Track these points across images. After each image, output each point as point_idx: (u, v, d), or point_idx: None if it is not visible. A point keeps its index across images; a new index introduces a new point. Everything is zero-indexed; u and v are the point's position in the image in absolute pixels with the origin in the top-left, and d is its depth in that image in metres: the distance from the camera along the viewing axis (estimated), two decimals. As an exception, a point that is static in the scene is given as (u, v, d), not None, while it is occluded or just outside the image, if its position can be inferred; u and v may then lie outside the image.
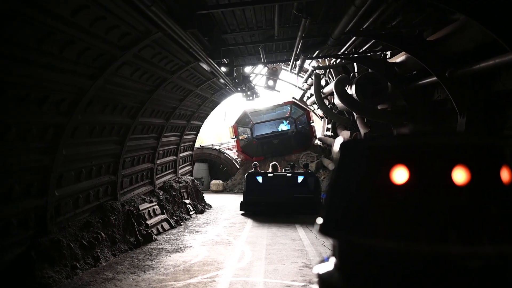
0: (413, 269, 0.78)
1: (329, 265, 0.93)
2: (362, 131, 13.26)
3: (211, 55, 7.87)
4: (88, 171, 6.96)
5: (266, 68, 27.22)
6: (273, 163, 14.09)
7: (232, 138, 23.19)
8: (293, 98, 24.09)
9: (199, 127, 14.92)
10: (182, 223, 10.73)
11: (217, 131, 36.95)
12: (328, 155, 21.34)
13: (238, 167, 23.38)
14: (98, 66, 5.63)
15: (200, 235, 9.14)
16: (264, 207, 11.72)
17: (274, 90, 27.82)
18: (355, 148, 0.95)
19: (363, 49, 10.51)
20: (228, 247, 7.81)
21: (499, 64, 6.70)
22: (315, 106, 24.77)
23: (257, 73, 22.99)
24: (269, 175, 12.34)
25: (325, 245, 7.76)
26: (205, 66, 9.11)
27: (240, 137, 22.00)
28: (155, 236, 8.53)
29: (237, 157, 24.20)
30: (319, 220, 0.93)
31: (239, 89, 14.74)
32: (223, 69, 9.68)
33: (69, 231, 6.19)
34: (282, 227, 10.03)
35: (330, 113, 17.03)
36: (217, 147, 24.48)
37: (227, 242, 8.28)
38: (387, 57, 11.21)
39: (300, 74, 13.91)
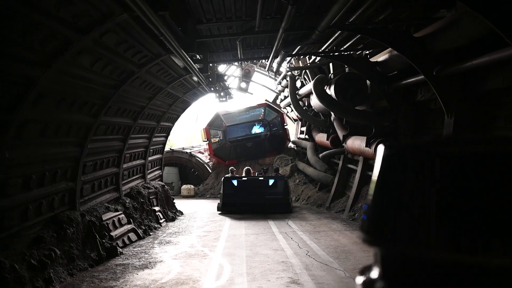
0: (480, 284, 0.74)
1: (373, 275, 0.91)
2: (340, 133, 12.73)
3: (185, 47, 7.00)
4: (40, 177, 5.89)
5: (239, 70, 26.55)
6: (246, 168, 14.65)
7: (204, 141, 22.22)
8: (266, 100, 23.46)
9: (170, 129, 13.92)
10: (151, 233, 9.72)
11: (188, 134, 35.79)
12: (302, 158, 20.81)
13: (210, 171, 22.43)
14: (50, 51, 4.65)
15: (172, 246, 8.20)
16: (240, 207, 12.61)
17: (247, 92, 27.05)
18: (414, 155, 0.86)
19: (344, 47, 9.96)
20: (204, 260, 6.93)
21: (488, 62, 6.27)
22: (289, 109, 24.26)
23: (229, 74, 22.20)
24: (243, 178, 13.29)
25: (310, 255, 7.06)
26: (177, 61, 8.22)
27: (213, 140, 21.09)
28: (120, 250, 7.52)
29: (209, 160, 23.25)
30: (363, 227, 0.90)
31: (212, 88, 13.88)
32: (196, 65, 8.83)
33: (14, 250, 5.12)
34: (260, 235, 9.25)
35: (305, 115, 16.48)
36: (188, 151, 23.44)
37: (203, 254, 7.40)
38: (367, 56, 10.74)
39: (275, 75, 13.25)
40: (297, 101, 16.68)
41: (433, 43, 7.23)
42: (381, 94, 9.96)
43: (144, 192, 10.92)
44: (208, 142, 21.06)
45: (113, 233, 7.80)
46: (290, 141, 22.65)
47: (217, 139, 21.17)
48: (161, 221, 11.13)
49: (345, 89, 11.13)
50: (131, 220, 9.01)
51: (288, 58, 13.01)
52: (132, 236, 8.67)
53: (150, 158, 12.48)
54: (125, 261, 6.84)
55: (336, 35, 8.69)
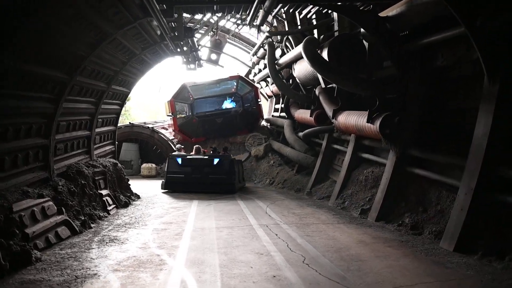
0: None
1: None
2: (328, 108, 10.73)
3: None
4: None
5: (209, 40, 23.83)
6: (197, 146, 13.97)
7: (168, 115, 19.65)
8: (238, 73, 21.06)
9: (125, 95, 11.34)
10: (93, 225, 7.36)
11: (152, 109, 32.76)
12: (277, 137, 18.82)
13: (174, 149, 19.96)
14: None
15: (117, 247, 5.92)
16: (183, 186, 12.22)
17: (218, 64, 24.47)
18: None
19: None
20: (160, 274, 4.73)
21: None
22: (263, 84, 22.07)
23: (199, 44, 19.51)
24: (188, 157, 12.77)
25: (309, 263, 5.06)
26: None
27: (178, 115, 18.57)
28: (38, 254, 5.16)
29: (173, 137, 20.73)
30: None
31: (179, 49, 11.38)
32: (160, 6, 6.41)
33: None
34: (235, 229, 7.16)
35: (285, 88, 14.35)
36: (150, 126, 20.76)
37: (158, 262, 5.19)
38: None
39: (258, 30, 10.94)
40: (276, 72, 14.50)
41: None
42: (389, 57, 8.01)
43: (87, 171, 8.46)
44: (173, 116, 18.54)
45: (29, 230, 5.40)
46: (263, 119, 20.55)
47: (183, 114, 18.67)
48: (109, 208, 8.75)
49: (340, 54, 9.10)
50: (63, 210, 6.60)
51: (274, 13, 10.75)
52: (63, 231, 6.29)
53: (98, 130, 9.94)
54: (38, 276, 4.51)
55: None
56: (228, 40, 24.05)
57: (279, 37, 14.80)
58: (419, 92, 7.71)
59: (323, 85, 10.27)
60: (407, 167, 7.75)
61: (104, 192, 8.96)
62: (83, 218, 7.14)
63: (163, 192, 12.22)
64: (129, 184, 11.21)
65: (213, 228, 7.29)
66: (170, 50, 11.17)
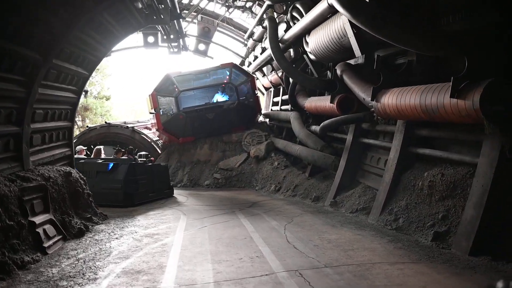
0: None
1: None
2: (360, 89, 7.69)
3: None
4: None
5: (196, 28, 20.64)
6: (98, 147, 11.57)
7: (151, 112, 16.33)
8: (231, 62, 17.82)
9: (82, 80, 8.02)
10: (2, 284, 4.16)
11: (135, 108, 29.30)
12: (278, 134, 15.71)
13: (159, 151, 16.72)
14: None
15: None
16: None
17: (207, 56, 21.37)
18: None
19: None
20: None
21: None
22: (259, 75, 18.96)
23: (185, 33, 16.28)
24: (81, 161, 10.02)
25: None
26: None
27: (162, 112, 15.28)
28: None
29: (158, 138, 17.48)
30: None
31: (155, 17, 8.18)
32: None
33: None
34: (250, 285, 4.04)
35: (292, 72, 11.19)
36: (130, 125, 17.47)
37: None
38: None
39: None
40: (280, 51, 11.35)
41: None
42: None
43: (6, 190, 5.20)
44: (155, 113, 15.22)
45: None
46: (261, 114, 17.41)
47: (168, 110, 15.38)
48: (47, 243, 5.50)
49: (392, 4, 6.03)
50: None
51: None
52: None
53: (37, 126, 6.67)
54: None
55: None
56: (217, 28, 20.94)
57: (282, 10, 11.71)
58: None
59: (358, 54, 7.17)
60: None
61: (39, 218, 5.70)
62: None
63: (166, 220, 7.94)
64: (91, 201, 7.95)
65: (210, 285, 4.11)
66: (143, 17, 7.96)
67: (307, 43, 9.74)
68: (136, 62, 56.54)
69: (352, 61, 9.23)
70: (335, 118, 9.13)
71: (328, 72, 10.99)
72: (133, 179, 9.72)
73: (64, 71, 7.02)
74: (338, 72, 8.86)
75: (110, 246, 5.80)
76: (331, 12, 7.83)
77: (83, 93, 9.59)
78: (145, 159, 11.54)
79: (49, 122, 7.18)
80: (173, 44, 11.10)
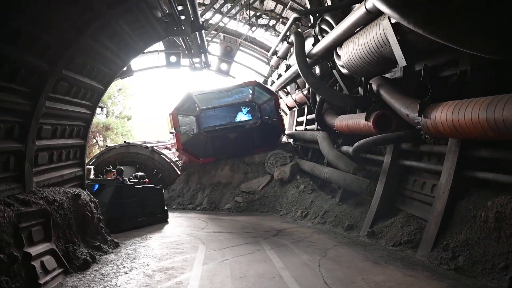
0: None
1: None
2: (402, 104, 6.74)
3: None
4: None
5: (218, 48, 20.28)
6: (88, 167, 10.02)
7: (171, 132, 15.76)
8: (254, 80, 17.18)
9: (97, 94, 7.41)
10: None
11: (156, 128, 29.02)
12: (304, 155, 14.76)
13: (178, 172, 16.03)
14: None
15: None
16: None
17: (228, 75, 20.89)
18: None
19: None
20: None
21: None
22: (283, 94, 18.24)
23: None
24: None
25: None
26: None
27: (182, 130, 14.65)
28: None
29: (178, 158, 16.83)
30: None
31: (176, 28, 7.58)
32: None
33: None
34: None
35: (321, 88, 10.33)
36: (149, 145, 16.93)
37: None
38: None
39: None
40: (308, 66, 10.57)
41: None
42: None
43: (0, 215, 4.47)
44: (175, 132, 14.61)
45: None
46: (285, 134, 16.56)
47: (188, 130, 14.75)
48: (43, 279, 4.70)
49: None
50: None
51: None
52: None
53: (44, 143, 6.01)
54: None
55: None
56: (240, 47, 20.53)
57: (308, 23, 11.01)
58: None
59: (403, 63, 6.26)
60: None
61: (37, 249, 4.92)
62: None
63: (182, 251, 6.88)
64: (101, 227, 7.18)
65: None
66: (162, 26, 7.37)
67: (338, 56, 8.92)
68: (158, 82, 57.49)
69: (388, 75, 8.37)
70: (371, 138, 8.14)
71: (360, 88, 10.12)
72: (120, 202, 9.00)
73: (76, 84, 6.41)
74: (374, 87, 7.96)
75: (117, 284, 4.94)
76: (368, 19, 7.01)
77: (99, 109, 9.01)
78: (137, 181, 10.85)
79: (58, 139, 6.53)
80: (194, 60, 10.51)
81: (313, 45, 10.43)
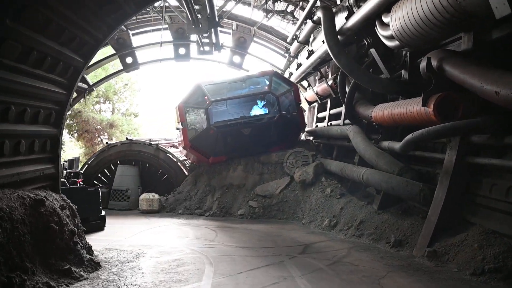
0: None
1: None
2: (484, 79, 4.77)
3: None
4: None
5: (230, 38, 18.48)
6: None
7: (177, 128, 13.92)
8: (272, 70, 15.25)
9: (74, 69, 5.57)
10: None
11: (165, 126, 27.30)
12: (328, 154, 12.76)
13: (186, 173, 14.19)
14: None
15: None
16: None
17: (242, 68, 19.03)
18: None
19: None
20: None
21: None
22: (301, 88, 16.27)
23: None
24: None
25: None
26: None
27: (190, 125, 12.78)
28: None
29: (185, 157, 14.99)
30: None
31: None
32: None
33: None
34: None
35: (355, 71, 8.38)
36: (154, 143, 15.15)
37: None
38: None
39: None
40: (339, 44, 8.62)
41: None
42: None
43: None
44: (182, 128, 12.74)
45: None
46: (305, 130, 14.59)
47: (197, 124, 12.87)
48: None
49: None
50: None
51: None
52: None
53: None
54: None
55: None
56: (254, 38, 18.67)
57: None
58: None
59: (504, 11, 4.24)
60: None
61: None
62: None
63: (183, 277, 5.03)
64: (76, 243, 5.33)
65: None
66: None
67: (383, 25, 6.96)
68: (166, 77, 53.36)
69: (452, 47, 6.39)
70: (432, 128, 6.12)
71: (403, 71, 8.15)
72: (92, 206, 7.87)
73: (37, 49, 4.60)
74: (434, 63, 5.99)
75: None
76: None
77: (87, 92, 7.20)
78: (64, 180, 8.97)
79: (13, 124, 4.73)
80: (203, 41, 8.68)
81: (347, 18, 8.47)
